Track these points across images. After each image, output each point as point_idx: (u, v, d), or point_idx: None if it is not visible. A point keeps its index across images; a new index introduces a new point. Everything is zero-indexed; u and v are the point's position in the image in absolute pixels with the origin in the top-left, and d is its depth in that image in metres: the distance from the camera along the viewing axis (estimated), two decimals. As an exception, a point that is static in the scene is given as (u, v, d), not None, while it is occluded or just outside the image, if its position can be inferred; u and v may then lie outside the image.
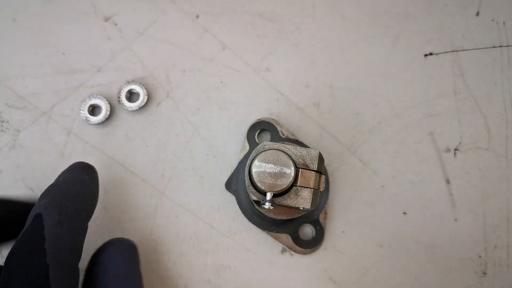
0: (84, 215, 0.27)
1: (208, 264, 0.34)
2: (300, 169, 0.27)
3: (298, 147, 0.27)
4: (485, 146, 0.36)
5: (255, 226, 0.35)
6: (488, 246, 0.35)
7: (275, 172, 0.26)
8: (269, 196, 0.26)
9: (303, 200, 0.27)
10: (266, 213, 0.29)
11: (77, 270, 0.25)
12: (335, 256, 0.35)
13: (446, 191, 0.36)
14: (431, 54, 0.37)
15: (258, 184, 0.26)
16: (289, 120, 0.36)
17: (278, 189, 0.26)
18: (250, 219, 0.34)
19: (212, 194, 0.35)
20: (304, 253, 0.34)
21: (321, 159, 0.28)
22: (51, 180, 0.36)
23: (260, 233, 0.35)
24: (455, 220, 0.35)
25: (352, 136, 0.36)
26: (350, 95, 0.37)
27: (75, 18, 0.38)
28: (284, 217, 0.29)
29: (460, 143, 0.36)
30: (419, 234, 0.35)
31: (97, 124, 0.36)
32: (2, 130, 0.36)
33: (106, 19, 0.38)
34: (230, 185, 0.35)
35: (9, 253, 0.24)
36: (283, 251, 0.35)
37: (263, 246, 0.35)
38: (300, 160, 0.27)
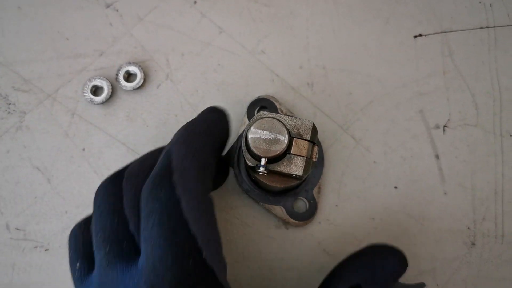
0: (210, 149, 0.26)
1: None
2: (294, 138, 0.27)
3: (293, 118, 0.27)
4: (473, 122, 0.36)
5: (251, 202, 0.35)
6: (476, 218, 0.35)
7: (270, 138, 0.26)
8: (263, 161, 0.26)
9: (295, 167, 0.27)
10: (261, 180, 0.29)
11: (209, 199, 0.25)
12: (329, 229, 0.35)
13: (435, 166, 0.36)
14: (420, 35, 0.37)
15: (253, 150, 0.26)
16: (284, 100, 0.36)
17: (272, 154, 0.26)
18: (247, 190, 0.34)
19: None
20: (298, 225, 0.34)
21: (314, 129, 0.28)
22: (56, 159, 0.36)
23: (256, 208, 0.35)
24: (445, 193, 0.35)
25: (345, 114, 0.36)
26: (342, 75, 0.37)
27: (78, 5, 0.38)
28: (278, 185, 0.29)
29: (449, 120, 0.36)
30: (410, 207, 0.35)
31: (100, 103, 0.36)
32: (9, 112, 0.37)
33: (108, 6, 0.38)
34: (229, 156, 0.35)
35: (143, 189, 0.24)
36: (278, 225, 0.35)
37: (260, 221, 0.35)
38: (295, 130, 0.27)
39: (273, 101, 0.35)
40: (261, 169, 0.26)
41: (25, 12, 0.38)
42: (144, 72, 0.36)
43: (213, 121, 0.28)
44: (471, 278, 0.34)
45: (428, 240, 0.34)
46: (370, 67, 0.37)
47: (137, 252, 0.24)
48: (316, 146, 0.28)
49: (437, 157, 0.35)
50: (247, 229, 0.35)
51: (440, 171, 0.35)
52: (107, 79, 0.36)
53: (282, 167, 0.27)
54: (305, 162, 0.27)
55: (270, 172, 0.28)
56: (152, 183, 0.24)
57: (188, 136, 0.26)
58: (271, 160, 0.27)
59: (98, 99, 0.36)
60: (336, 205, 0.35)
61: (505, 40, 0.37)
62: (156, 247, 0.22)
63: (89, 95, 0.36)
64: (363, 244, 0.34)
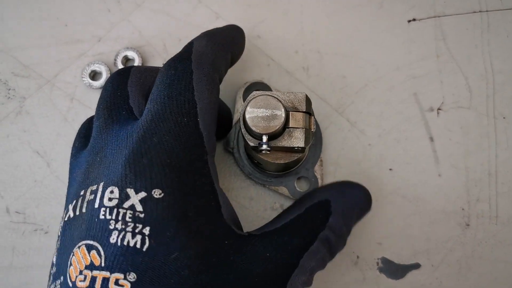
0: (227, 48, 0.28)
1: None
2: (290, 112, 0.26)
3: (285, 92, 0.27)
4: (466, 105, 0.35)
5: (248, 184, 0.34)
6: (470, 199, 0.34)
7: (267, 115, 0.25)
8: (265, 138, 0.25)
9: (296, 140, 0.26)
10: (265, 159, 0.28)
11: (217, 83, 0.26)
12: (325, 211, 0.34)
13: (430, 148, 0.35)
14: (414, 20, 0.37)
15: (253, 129, 0.25)
16: (279, 83, 0.36)
17: (272, 130, 0.25)
18: (249, 174, 0.33)
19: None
20: None
21: (308, 100, 0.27)
22: (55, 143, 0.35)
23: (253, 190, 0.34)
24: (439, 175, 0.34)
25: (340, 98, 0.36)
26: (337, 59, 0.36)
27: (76, -8, 0.37)
28: (282, 161, 0.28)
29: (442, 102, 0.36)
30: (404, 189, 0.34)
31: (99, 88, 0.35)
32: (9, 98, 0.36)
33: (106, -7, 0.38)
34: (228, 143, 0.34)
35: (163, 64, 0.26)
36: (275, 207, 0.34)
37: (256, 203, 0.34)
38: (289, 104, 0.27)
39: (268, 84, 0.34)
40: (264, 147, 0.26)
41: (25, -1, 0.37)
42: (142, 57, 0.36)
43: (232, 29, 0.30)
44: (466, 258, 0.33)
45: (422, 221, 0.34)
46: (364, 51, 0.36)
47: (135, 120, 0.25)
48: (313, 117, 0.28)
49: (431, 139, 0.35)
50: (244, 211, 0.34)
51: (434, 153, 0.35)
52: (105, 64, 0.36)
53: (284, 142, 0.26)
54: (305, 133, 0.26)
55: (273, 149, 0.27)
56: (172, 58, 0.26)
57: (209, 33, 0.28)
58: (272, 137, 0.26)
59: (96, 84, 0.35)
60: (332, 187, 0.34)
61: (498, 24, 0.36)
62: (159, 103, 0.24)
63: (87, 80, 0.35)
64: (358, 225, 0.34)
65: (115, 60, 0.35)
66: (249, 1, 0.37)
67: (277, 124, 0.25)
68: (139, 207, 0.21)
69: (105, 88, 0.27)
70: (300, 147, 0.27)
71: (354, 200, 0.28)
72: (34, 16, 0.37)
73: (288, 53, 0.36)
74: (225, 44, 0.28)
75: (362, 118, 0.35)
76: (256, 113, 0.26)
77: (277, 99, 0.26)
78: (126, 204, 0.21)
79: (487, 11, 0.36)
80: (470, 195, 0.34)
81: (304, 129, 0.26)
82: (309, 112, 0.27)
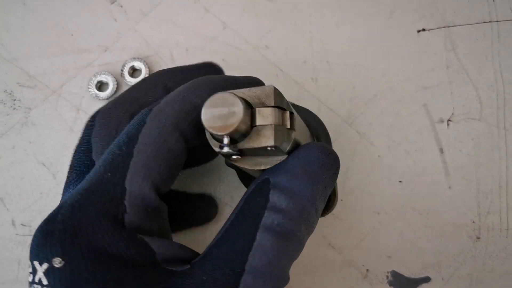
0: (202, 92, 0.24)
1: (211, 232, 0.33)
2: (257, 108, 0.22)
3: (252, 88, 0.23)
4: (477, 116, 0.35)
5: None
6: (481, 212, 0.33)
7: (224, 113, 0.21)
8: (226, 140, 0.21)
9: (265, 138, 0.22)
10: (243, 166, 0.24)
11: (176, 138, 0.22)
12: (334, 223, 0.33)
13: (440, 160, 0.34)
14: (423, 30, 0.36)
15: (210, 130, 0.21)
16: (288, 94, 0.34)
17: (231, 129, 0.21)
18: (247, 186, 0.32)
19: (217, 167, 0.34)
20: None
21: (277, 93, 0.23)
22: (61, 155, 0.35)
23: (262, 203, 0.34)
24: (449, 187, 0.34)
25: (349, 108, 0.35)
26: (346, 69, 0.35)
27: (82, 1, 0.36)
28: (263, 167, 0.24)
29: (453, 114, 0.35)
30: (415, 201, 0.33)
31: (105, 99, 0.34)
32: (14, 108, 0.35)
33: (112, 2, 0.36)
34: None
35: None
36: (284, 219, 0.33)
37: (265, 215, 0.34)
38: (256, 100, 0.22)
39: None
40: (225, 149, 0.21)
41: (30, 7, 0.36)
42: (149, 67, 0.35)
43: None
44: (477, 271, 0.33)
45: (432, 234, 0.33)
46: (374, 61, 0.35)
47: None
48: (288, 112, 0.23)
49: (441, 151, 0.34)
50: (252, 223, 0.33)
51: (444, 164, 0.34)
52: (112, 74, 0.35)
53: (251, 142, 0.22)
54: (275, 130, 0.22)
55: (245, 153, 0.23)
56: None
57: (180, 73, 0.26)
58: (238, 139, 0.22)
59: (103, 94, 0.34)
60: (341, 199, 0.33)
61: (508, 34, 0.36)
62: (100, 160, 0.22)
63: (94, 90, 0.35)
64: (368, 238, 0.33)
65: (122, 70, 0.34)
66: (257, 11, 0.36)
67: (235, 121, 0.21)
68: (45, 281, 0.19)
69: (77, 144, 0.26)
70: (271, 146, 0.22)
71: (301, 161, 0.22)
72: (39, 25, 0.36)
73: (297, 63, 0.35)
74: (206, 86, 0.24)
75: (372, 129, 0.34)
76: (212, 113, 0.21)
77: (235, 95, 0.22)
78: (36, 278, 0.19)
79: (497, 21, 0.36)
80: (481, 208, 0.33)
81: (273, 125, 0.22)
82: (280, 107, 0.23)
